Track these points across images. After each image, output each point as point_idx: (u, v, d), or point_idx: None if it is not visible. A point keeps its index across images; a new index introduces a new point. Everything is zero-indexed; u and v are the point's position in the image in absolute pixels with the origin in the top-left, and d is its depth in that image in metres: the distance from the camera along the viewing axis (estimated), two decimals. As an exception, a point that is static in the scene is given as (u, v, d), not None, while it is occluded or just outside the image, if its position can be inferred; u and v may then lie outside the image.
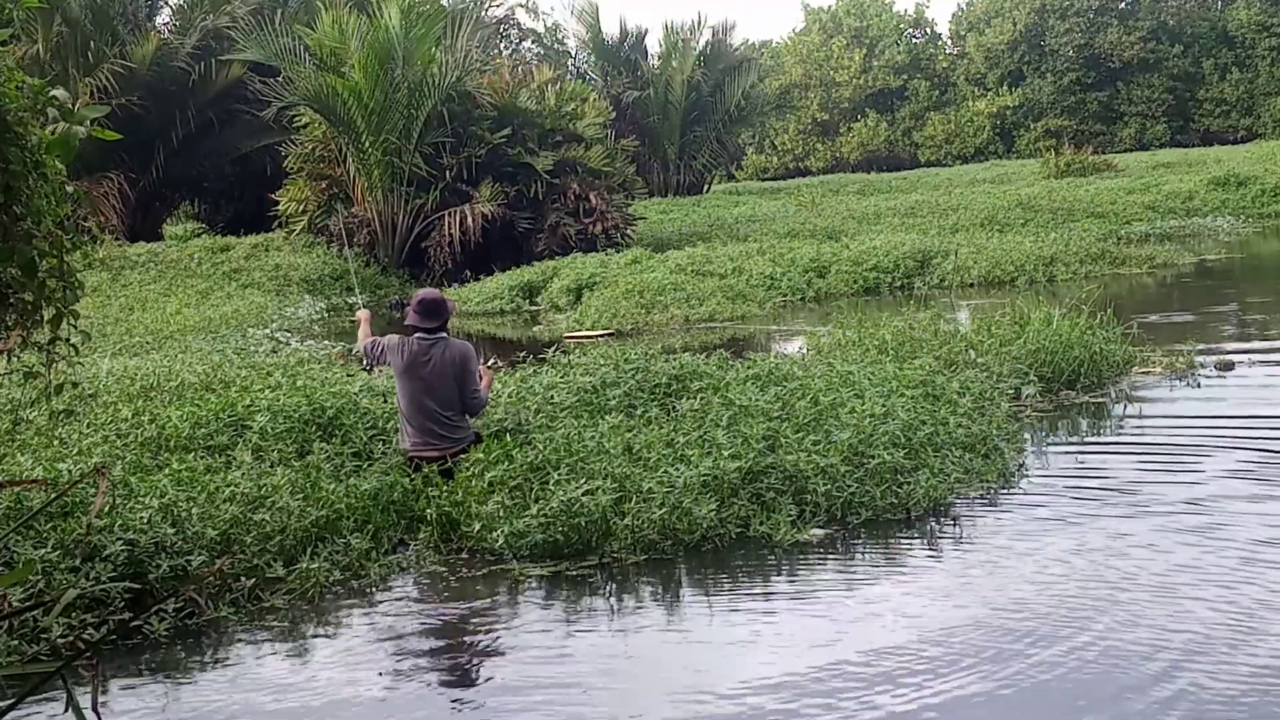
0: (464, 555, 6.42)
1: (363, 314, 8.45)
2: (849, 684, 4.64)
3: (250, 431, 7.44)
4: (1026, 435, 8.38)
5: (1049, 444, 8.27)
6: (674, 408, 7.82)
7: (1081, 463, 7.76)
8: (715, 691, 4.67)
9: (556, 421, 7.53)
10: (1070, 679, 4.57)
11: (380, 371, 8.52)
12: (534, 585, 5.97)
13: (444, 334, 7.39)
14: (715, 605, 5.63)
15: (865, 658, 4.86)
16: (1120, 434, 8.56)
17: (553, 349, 9.72)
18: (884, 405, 7.50)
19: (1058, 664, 4.69)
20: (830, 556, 6.15)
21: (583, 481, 6.38)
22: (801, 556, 6.14)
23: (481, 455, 6.86)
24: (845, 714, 4.43)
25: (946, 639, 4.99)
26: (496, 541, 6.21)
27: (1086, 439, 8.46)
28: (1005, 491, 7.05)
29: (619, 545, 6.17)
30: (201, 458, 7.06)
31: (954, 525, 6.53)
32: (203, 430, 7.52)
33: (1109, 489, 7.05)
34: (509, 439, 7.09)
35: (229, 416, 7.69)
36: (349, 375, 9.80)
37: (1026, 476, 7.36)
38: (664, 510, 6.21)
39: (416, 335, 7.33)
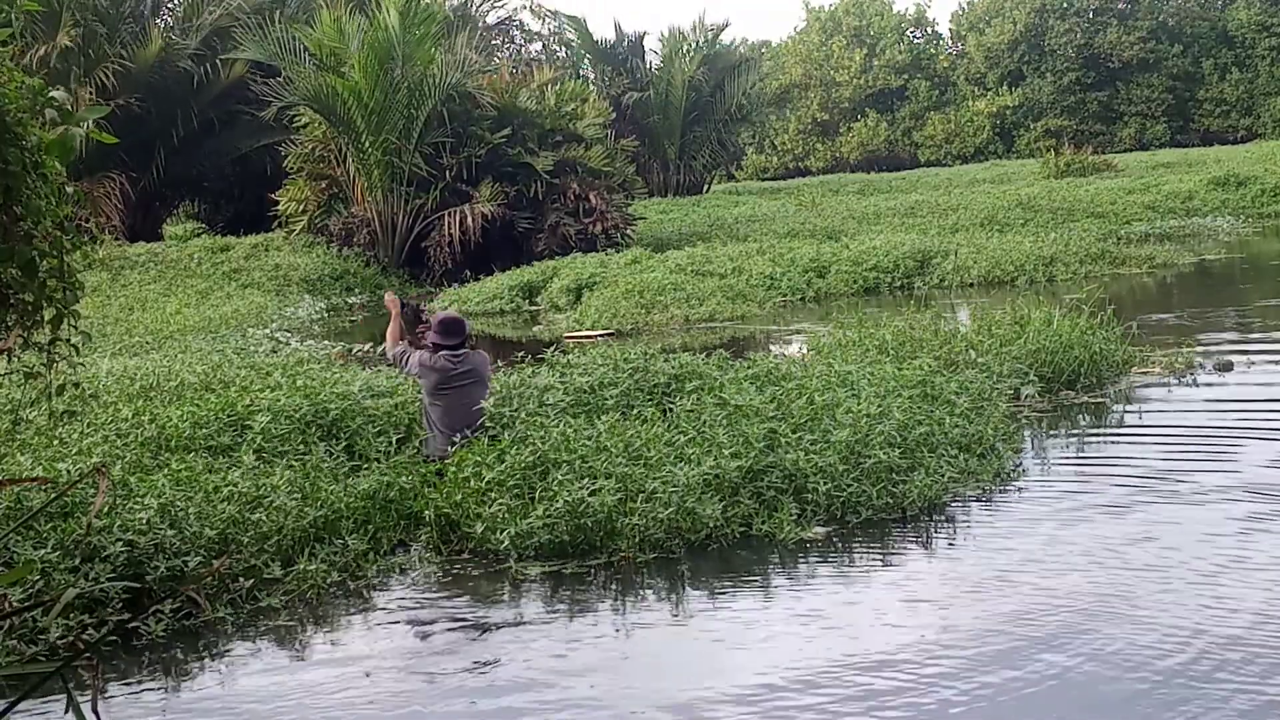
0: (465, 556, 6.42)
1: (391, 300, 8.64)
2: (858, 682, 4.65)
3: (252, 432, 7.43)
4: (1026, 435, 8.38)
5: (1047, 444, 8.27)
6: (669, 408, 7.84)
7: (1079, 463, 7.76)
8: (727, 688, 4.68)
9: (551, 420, 7.51)
10: (1071, 681, 4.58)
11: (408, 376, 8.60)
12: (539, 585, 5.98)
13: (465, 349, 7.90)
14: (725, 603, 5.66)
15: (874, 656, 4.87)
16: (1119, 434, 8.55)
17: (552, 349, 9.71)
18: (879, 405, 7.50)
19: (1057, 667, 4.70)
20: (834, 555, 6.18)
21: (585, 481, 6.39)
22: (805, 555, 6.16)
23: (478, 457, 6.85)
24: (852, 712, 4.43)
25: (952, 637, 5.00)
26: (502, 543, 6.21)
27: (1085, 439, 8.46)
28: (1002, 491, 7.06)
29: (626, 544, 6.19)
30: (203, 458, 7.06)
31: (950, 524, 6.55)
32: (203, 431, 7.51)
33: (1107, 489, 7.05)
34: (504, 438, 7.11)
35: (229, 416, 7.69)
36: (370, 371, 9.76)
37: (1023, 476, 7.36)
38: (671, 510, 6.23)
39: (443, 353, 7.75)
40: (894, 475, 6.81)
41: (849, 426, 7.10)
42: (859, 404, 7.51)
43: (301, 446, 7.37)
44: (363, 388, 8.46)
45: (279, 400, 7.85)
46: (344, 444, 7.56)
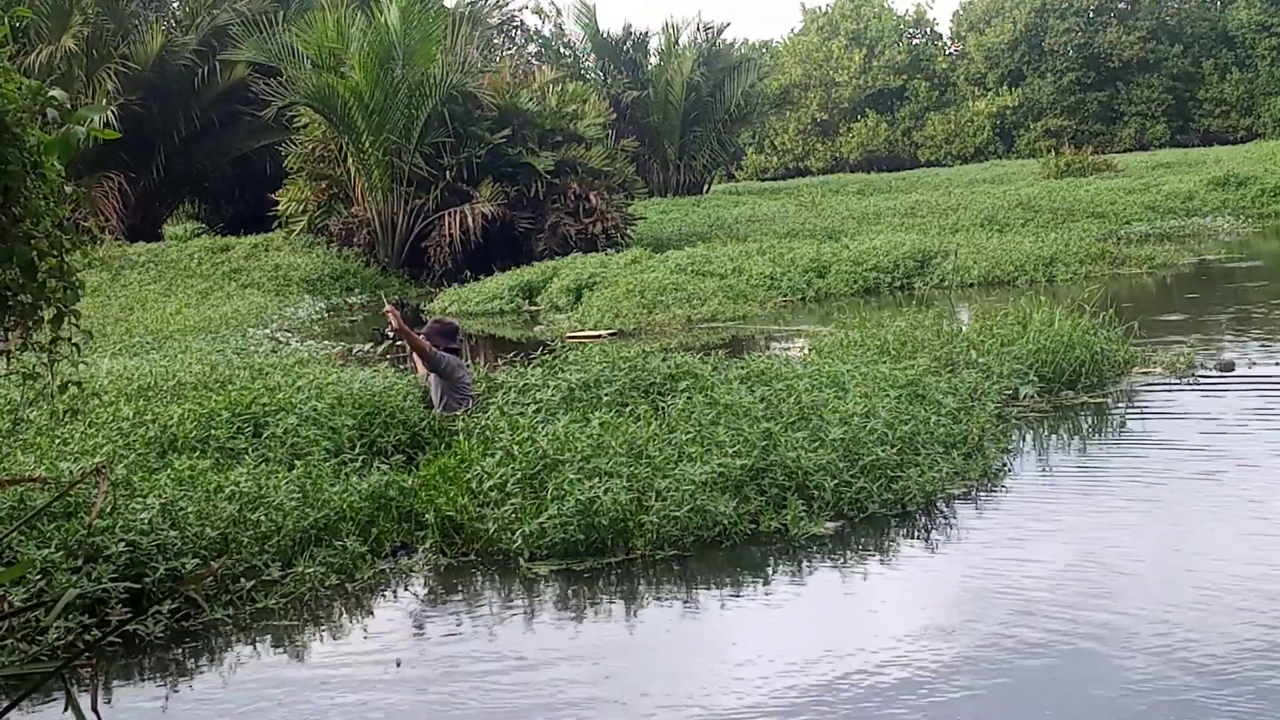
0: (472, 557, 6.40)
1: (392, 310, 8.84)
2: (864, 681, 4.65)
3: (273, 435, 7.38)
4: (1022, 435, 8.37)
5: (1043, 444, 8.27)
6: (662, 406, 7.84)
7: (1077, 462, 7.76)
8: (740, 686, 4.67)
9: (544, 419, 7.48)
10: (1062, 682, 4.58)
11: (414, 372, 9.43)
12: (551, 585, 5.97)
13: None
14: (738, 599, 5.68)
15: (882, 654, 4.87)
16: (1118, 434, 8.55)
17: (556, 346, 9.69)
18: (866, 405, 7.52)
19: (1053, 667, 4.70)
20: (841, 551, 6.21)
21: (594, 480, 6.38)
22: (815, 551, 6.20)
23: (482, 466, 6.84)
24: (858, 710, 4.43)
25: (954, 634, 5.00)
26: (514, 542, 6.20)
27: (1085, 439, 8.46)
28: (992, 491, 7.08)
29: (643, 543, 6.19)
30: (212, 457, 7.01)
31: (945, 521, 6.58)
32: (215, 432, 7.44)
33: (1103, 488, 7.05)
34: (507, 436, 7.11)
35: (241, 418, 7.62)
36: (369, 371, 9.75)
37: (1015, 475, 7.38)
38: (687, 508, 6.25)
39: (449, 354, 8.91)
40: (888, 472, 6.84)
41: (842, 425, 7.12)
42: (845, 404, 7.54)
43: (322, 451, 7.32)
44: (361, 388, 8.45)
45: (313, 405, 7.78)
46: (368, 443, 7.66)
